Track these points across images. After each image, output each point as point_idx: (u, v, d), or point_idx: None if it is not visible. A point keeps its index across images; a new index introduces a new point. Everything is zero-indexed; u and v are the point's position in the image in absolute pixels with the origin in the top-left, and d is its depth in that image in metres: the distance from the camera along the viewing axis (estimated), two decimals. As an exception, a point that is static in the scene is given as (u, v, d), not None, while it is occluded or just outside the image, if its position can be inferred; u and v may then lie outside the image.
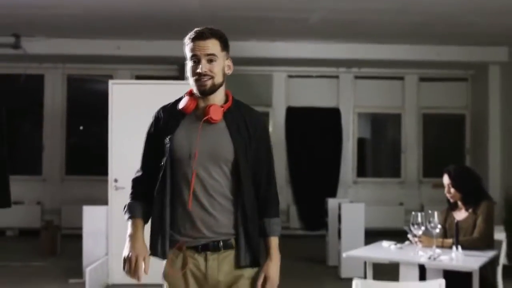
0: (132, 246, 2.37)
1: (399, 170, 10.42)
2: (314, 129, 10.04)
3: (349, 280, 2.95)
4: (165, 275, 2.43)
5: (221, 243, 2.33)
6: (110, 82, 6.59)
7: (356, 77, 10.34)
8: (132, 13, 7.55)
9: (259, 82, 10.27)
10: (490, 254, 3.76)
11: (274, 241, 2.41)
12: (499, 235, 4.24)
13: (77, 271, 6.43)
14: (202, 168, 2.33)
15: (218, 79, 2.40)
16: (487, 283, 3.93)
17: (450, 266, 3.45)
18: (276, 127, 10.25)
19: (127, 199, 2.48)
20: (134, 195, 2.46)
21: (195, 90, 2.40)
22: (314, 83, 10.35)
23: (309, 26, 8.02)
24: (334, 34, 8.66)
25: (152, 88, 6.63)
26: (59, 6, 7.15)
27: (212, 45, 2.38)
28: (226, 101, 2.46)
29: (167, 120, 2.42)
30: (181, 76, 9.70)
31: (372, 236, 6.01)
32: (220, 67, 2.41)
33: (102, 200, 6.86)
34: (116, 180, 6.26)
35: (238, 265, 2.35)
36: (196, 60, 2.36)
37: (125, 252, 2.39)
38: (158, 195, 2.36)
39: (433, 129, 10.61)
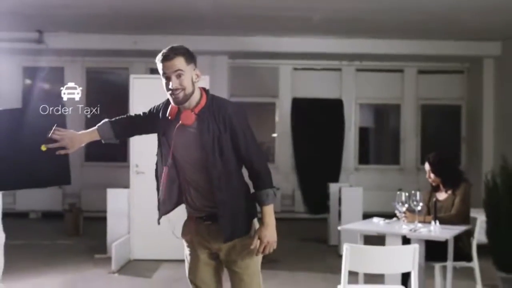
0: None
1: (398, 157, 10.89)
2: (318, 119, 10.43)
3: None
4: (182, 234, 2.99)
5: (206, 217, 2.84)
6: (131, 76, 7.16)
7: (358, 70, 10.74)
8: (148, 10, 8.03)
9: (266, 74, 10.67)
10: (463, 228, 4.37)
11: (266, 209, 2.78)
12: (476, 214, 4.84)
13: (101, 248, 7.03)
14: (181, 163, 2.81)
15: (189, 89, 2.73)
16: (463, 253, 4.54)
17: (427, 236, 4.05)
18: (282, 117, 10.73)
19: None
20: (111, 121, 3.03)
21: (171, 102, 2.78)
22: (318, 76, 10.78)
23: (313, 23, 8.44)
24: (336, 30, 9.10)
25: (168, 82, 7.23)
26: (84, 6, 7.68)
27: (178, 63, 2.71)
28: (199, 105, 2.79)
29: (163, 114, 2.87)
30: (193, 69, 10.25)
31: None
32: (188, 79, 2.73)
33: (118, 184, 7.45)
34: (137, 165, 6.86)
35: (223, 239, 2.77)
36: (167, 78, 2.72)
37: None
38: (169, 183, 2.86)
39: (431, 119, 11.01)
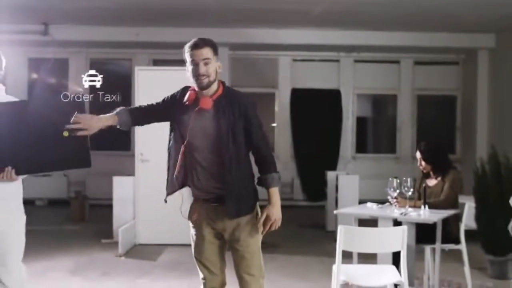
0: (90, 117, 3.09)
1: (395, 146, 11.12)
2: (317, 109, 10.64)
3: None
4: (190, 219, 3.23)
5: (213, 199, 3.08)
6: (136, 68, 7.41)
7: (356, 61, 10.95)
8: (151, 3, 8.23)
9: (266, 65, 10.88)
10: (451, 212, 4.64)
11: (273, 191, 3.07)
12: (467, 200, 5.12)
13: (107, 233, 7.31)
14: (194, 144, 3.04)
15: (212, 77, 3.02)
16: (452, 237, 4.82)
17: (417, 219, 4.32)
18: (282, 107, 10.96)
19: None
20: (129, 108, 3.22)
21: (195, 87, 3.04)
22: (316, 67, 10.99)
23: (312, 16, 8.65)
24: (335, 22, 9.30)
25: (171, 74, 7.43)
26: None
27: (206, 52, 3.00)
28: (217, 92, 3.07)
29: (179, 101, 3.12)
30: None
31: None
32: (213, 68, 3.02)
33: (122, 172, 7.68)
34: (141, 154, 7.12)
35: (228, 217, 3.04)
36: (196, 64, 2.99)
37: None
38: (183, 163, 3.11)
39: (427, 109, 11.23)
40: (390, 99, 11.24)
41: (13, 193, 3.28)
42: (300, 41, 9.85)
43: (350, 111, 10.99)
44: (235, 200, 3.03)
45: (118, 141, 10.46)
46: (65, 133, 3.09)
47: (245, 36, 9.66)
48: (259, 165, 3.12)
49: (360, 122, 11.26)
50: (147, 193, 7.03)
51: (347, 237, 3.64)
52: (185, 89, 3.17)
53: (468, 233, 4.96)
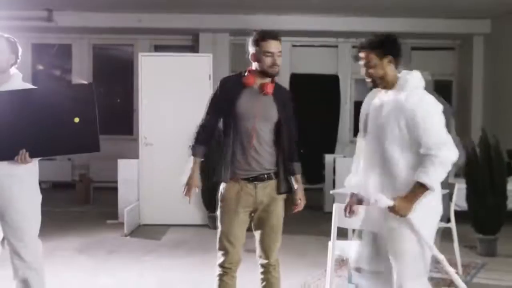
0: (191, 177, 3.43)
1: (392, 130, 11.30)
2: (315, 94, 10.78)
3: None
4: (222, 197, 3.43)
5: (266, 176, 3.38)
6: (140, 54, 7.60)
7: (354, 47, 10.92)
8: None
9: (266, 51, 11.05)
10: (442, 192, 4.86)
11: (299, 178, 3.53)
12: (457, 182, 5.36)
13: (111, 215, 7.56)
14: (258, 125, 3.34)
15: (280, 67, 3.38)
16: (442, 215, 5.06)
17: (408, 199, 4.56)
18: (281, 92, 11.11)
19: (192, 141, 3.48)
20: (197, 139, 3.45)
21: (268, 72, 3.32)
22: (315, 52, 11.14)
23: (311, 2, 8.82)
24: (333, 8, 9.46)
25: (174, 59, 7.68)
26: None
27: (279, 45, 3.35)
28: (272, 80, 3.42)
29: (231, 88, 3.39)
30: (195, 46, 10.64)
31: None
32: (281, 60, 3.37)
33: (125, 155, 7.89)
34: (145, 138, 7.34)
35: (278, 191, 3.40)
36: (271, 54, 3.29)
37: (184, 179, 3.45)
38: (226, 140, 3.36)
39: (423, 94, 11.44)
40: (388, 84, 11.36)
41: (29, 174, 3.52)
42: (300, 27, 9.99)
43: (348, 96, 11.16)
44: (286, 177, 3.43)
45: (121, 126, 10.67)
46: (76, 119, 3.33)
47: (246, 22, 9.80)
48: (288, 152, 3.45)
49: (358, 106, 11.26)
50: (150, 175, 7.27)
51: (342, 214, 3.86)
52: (227, 81, 3.46)
53: (460, 214, 5.20)
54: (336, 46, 11.12)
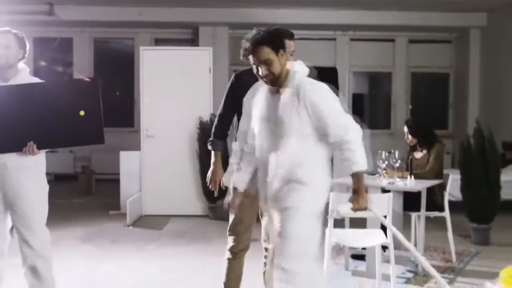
0: (213, 171, 3.57)
1: (390, 122, 11.43)
2: (314, 86, 10.94)
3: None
4: (246, 187, 3.46)
5: None
6: (141, 48, 7.72)
7: (352, 40, 11.20)
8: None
9: (265, 44, 11.14)
10: (435, 182, 5.02)
11: None
12: (451, 173, 5.50)
13: (114, 206, 7.69)
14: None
15: None
16: (437, 205, 5.21)
17: (403, 188, 4.70)
18: (280, 85, 11.21)
19: (211, 135, 3.60)
20: (216, 133, 3.58)
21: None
22: (314, 45, 11.15)
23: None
24: (332, 2, 9.57)
25: (174, 53, 7.81)
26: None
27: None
28: None
29: (246, 83, 3.37)
30: (195, 39, 10.74)
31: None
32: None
33: (126, 147, 7.98)
34: (147, 129, 7.47)
35: None
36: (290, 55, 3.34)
37: (209, 173, 3.61)
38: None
39: (421, 86, 11.51)
40: (385, 76, 11.50)
41: (37, 166, 3.67)
42: (298, 20, 10.06)
43: (347, 88, 11.25)
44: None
45: (122, 119, 10.78)
46: (81, 112, 3.45)
47: (245, 16, 9.92)
48: None
49: (356, 98, 11.52)
50: (152, 167, 7.41)
51: (338, 202, 4.01)
52: (242, 75, 3.55)
53: (454, 204, 5.32)
54: (334, 39, 11.20)
